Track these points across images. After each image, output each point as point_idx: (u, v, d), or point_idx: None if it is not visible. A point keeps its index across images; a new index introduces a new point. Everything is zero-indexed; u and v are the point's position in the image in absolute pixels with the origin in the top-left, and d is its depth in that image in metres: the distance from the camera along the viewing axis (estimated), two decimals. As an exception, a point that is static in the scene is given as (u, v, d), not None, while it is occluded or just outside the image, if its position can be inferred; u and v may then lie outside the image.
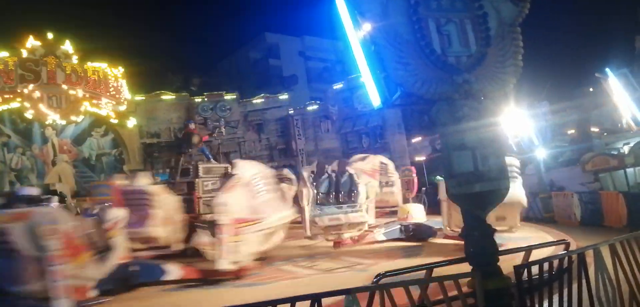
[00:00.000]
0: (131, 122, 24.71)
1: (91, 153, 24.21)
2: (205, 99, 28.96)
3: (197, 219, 13.33)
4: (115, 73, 24.14)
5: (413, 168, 22.03)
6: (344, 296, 4.35)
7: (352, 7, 5.69)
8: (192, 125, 20.90)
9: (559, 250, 6.40)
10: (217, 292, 9.15)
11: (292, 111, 30.11)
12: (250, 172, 11.04)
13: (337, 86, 29.85)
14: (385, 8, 5.40)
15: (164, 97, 27.79)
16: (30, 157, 21.81)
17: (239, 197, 10.14)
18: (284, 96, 31.27)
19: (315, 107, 30.68)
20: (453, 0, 5.82)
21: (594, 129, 26.95)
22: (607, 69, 25.57)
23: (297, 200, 13.53)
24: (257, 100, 30.40)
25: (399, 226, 14.30)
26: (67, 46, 22.13)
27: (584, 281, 5.60)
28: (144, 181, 13.01)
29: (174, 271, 9.54)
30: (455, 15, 5.73)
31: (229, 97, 29.69)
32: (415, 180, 21.08)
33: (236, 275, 9.84)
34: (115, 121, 23.94)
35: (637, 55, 25.68)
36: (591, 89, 28.23)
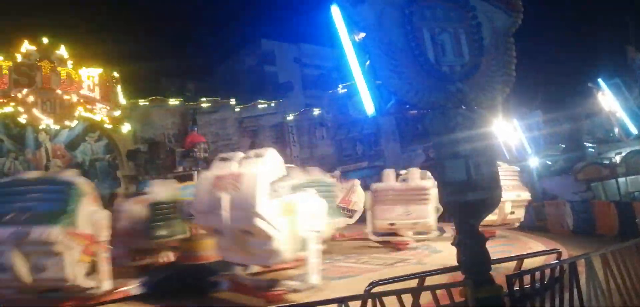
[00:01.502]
0: (126, 128, 24.63)
1: (85, 158, 24.11)
2: (201, 105, 28.94)
3: None
4: (110, 78, 24.08)
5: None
6: (336, 305, 4.36)
7: (347, 16, 5.73)
8: (195, 131, 20.93)
9: (551, 259, 6.43)
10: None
11: (287, 117, 30.13)
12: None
13: (332, 93, 29.93)
14: (380, 17, 5.44)
15: (158, 102, 27.74)
16: (23, 162, 21.70)
17: None
18: (279, 102, 31.33)
19: (310, 113, 30.73)
20: (447, 10, 5.87)
21: (587, 139, 27.14)
22: (600, 79, 25.79)
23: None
24: (252, 107, 30.41)
25: None
26: (62, 51, 22.06)
27: (575, 291, 5.63)
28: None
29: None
30: (450, 25, 5.79)
31: (223, 103, 29.71)
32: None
33: None
34: (110, 126, 23.86)
35: (629, 65, 25.88)
36: (583, 99, 28.45)
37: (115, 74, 24.48)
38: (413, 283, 5.33)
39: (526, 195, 15.16)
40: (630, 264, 5.96)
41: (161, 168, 24.75)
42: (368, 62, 5.64)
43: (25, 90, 20.48)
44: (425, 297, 5.00)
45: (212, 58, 59.20)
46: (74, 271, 7.73)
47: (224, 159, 8.84)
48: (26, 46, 21.18)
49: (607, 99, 25.59)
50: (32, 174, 9.64)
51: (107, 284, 8.36)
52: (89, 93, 22.59)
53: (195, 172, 17.45)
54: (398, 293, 4.69)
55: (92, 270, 8.27)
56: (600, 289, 5.71)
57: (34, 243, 7.45)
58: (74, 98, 21.80)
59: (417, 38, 5.50)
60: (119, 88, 24.60)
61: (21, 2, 39.01)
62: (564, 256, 7.41)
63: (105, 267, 8.37)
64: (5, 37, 21.97)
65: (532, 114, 26.62)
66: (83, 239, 7.91)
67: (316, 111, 30.65)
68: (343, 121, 29.17)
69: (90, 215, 8.21)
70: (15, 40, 21.29)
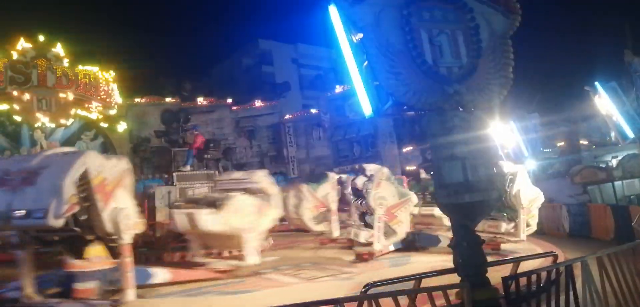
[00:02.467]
0: (121, 127, 24.53)
1: (80, 157, 23.96)
2: (197, 104, 28.88)
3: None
4: (106, 77, 23.94)
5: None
6: (332, 306, 4.34)
7: (345, 16, 5.71)
8: (199, 131, 20.90)
9: (547, 262, 6.42)
10: (204, 300, 9.11)
11: (284, 118, 30.11)
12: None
13: (330, 94, 29.87)
14: (378, 18, 5.43)
15: (155, 101, 27.64)
16: (18, 160, 21.53)
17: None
18: (276, 103, 31.28)
19: (307, 114, 30.70)
20: (445, 11, 5.87)
21: (583, 142, 27.21)
22: (596, 83, 25.85)
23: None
24: (249, 107, 30.36)
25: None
26: (59, 49, 21.91)
27: (571, 294, 5.63)
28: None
29: (160, 273, 9.78)
30: (447, 27, 5.78)
31: (220, 103, 29.68)
32: None
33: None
34: (105, 125, 23.76)
35: (626, 69, 25.94)
36: (580, 102, 28.55)
37: (112, 73, 24.36)
38: (409, 285, 5.31)
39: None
40: (626, 267, 5.95)
41: (157, 167, 24.69)
42: (366, 63, 5.62)
43: (21, 88, 20.35)
44: (422, 299, 4.98)
45: (209, 58, 59.27)
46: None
47: None
48: (22, 44, 21.02)
49: (604, 102, 25.65)
50: None
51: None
52: (85, 92, 22.47)
53: (216, 171, 17.65)
54: (394, 295, 4.66)
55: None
56: (596, 292, 5.70)
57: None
58: (70, 96, 21.67)
59: (415, 39, 5.50)
60: (115, 87, 24.47)
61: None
62: (560, 258, 7.41)
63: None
64: (1, 35, 21.83)
65: (529, 116, 26.67)
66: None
67: (313, 112, 30.59)
68: (340, 122, 29.12)
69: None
70: (11, 38, 21.15)
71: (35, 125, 21.30)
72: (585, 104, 27.28)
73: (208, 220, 11.24)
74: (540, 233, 16.82)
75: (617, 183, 19.31)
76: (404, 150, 28.95)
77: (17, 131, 21.63)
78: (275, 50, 45.67)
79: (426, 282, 5.32)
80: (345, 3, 5.48)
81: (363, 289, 5.04)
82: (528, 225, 13.33)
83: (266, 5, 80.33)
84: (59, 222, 7.26)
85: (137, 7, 66.29)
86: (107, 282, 8.38)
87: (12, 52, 20.78)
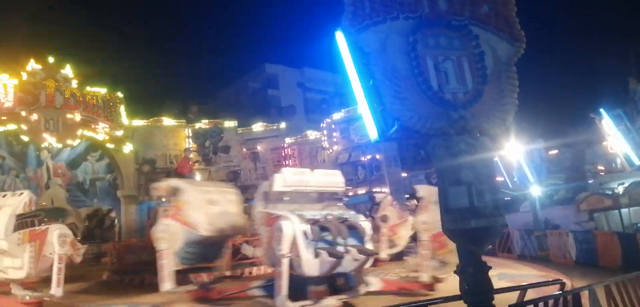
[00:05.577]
0: (127, 148, 24.67)
1: (85, 177, 24.13)
2: (203, 126, 29.03)
3: None
4: (113, 98, 24.22)
5: None
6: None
7: (352, 42, 5.77)
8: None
9: (554, 290, 6.35)
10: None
11: (289, 141, 30.23)
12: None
13: (335, 117, 29.95)
14: (384, 44, 5.49)
15: (161, 123, 27.78)
16: (24, 180, 21.71)
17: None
18: (281, 126, 31.42)
19: (312, 137, 30.78)
20: (451, 38, 5.92)
21: (589, 169, 27.09)
22: (602, 110, 25.86)
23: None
24: (255, 129, 30.51)
25: None
26: (67, 70, 22.23)
27: (579, 322, 5.56)
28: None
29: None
30: (453, 53, 5.83)
31: (226, 124, 29.84)
32: None
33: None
34: (112, 146, 23.91)
35: (631, 96, 25.96)
36: (586, 129, 28.51)
37: (119, 94, 24.62)
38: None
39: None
40: (634, 295, 5.89)
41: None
42: (372, 88, 5.66)
43: (29, 109, 20.56)
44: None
45: (216, 81, 59.64)
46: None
47: None
48: (32, 65, 21.32)
49: (610, 129, 25.61)
50: None
51: None
52: (92, 113, 22.69)
53: None
54: (399, 321, 4.63)
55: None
56: (604, 321, 5.64)
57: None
58: (77, 117, 21.88)
59: (420, 65, 5.54)
60: (122, 108, 24.70)
61: (28, 21, 39.50)
62: (568, 286, 7.33)
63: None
64: (11, 56, 22.15)
65: (534, 142, 26.61)
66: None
67: (318, 135, 30.68)
68: (345, 145, 29.17)
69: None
70: (21, 59, 21.47)
71: (42, 146, 21.49)
72: (591, 131, 27.25)
73: None
74: (547, 260, 16.68)
75: (624, 210, 19.16)
76: (410, 173, 28.86)
77: (24, 151, 21.82)
78: (281, 75, 46.09)
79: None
80: (352, 29, 5.54)
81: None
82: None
83: (274, 30, 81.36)
84: None
85: (146, 31, 67.20)
86: None
87: (21, 73, 21.07)
